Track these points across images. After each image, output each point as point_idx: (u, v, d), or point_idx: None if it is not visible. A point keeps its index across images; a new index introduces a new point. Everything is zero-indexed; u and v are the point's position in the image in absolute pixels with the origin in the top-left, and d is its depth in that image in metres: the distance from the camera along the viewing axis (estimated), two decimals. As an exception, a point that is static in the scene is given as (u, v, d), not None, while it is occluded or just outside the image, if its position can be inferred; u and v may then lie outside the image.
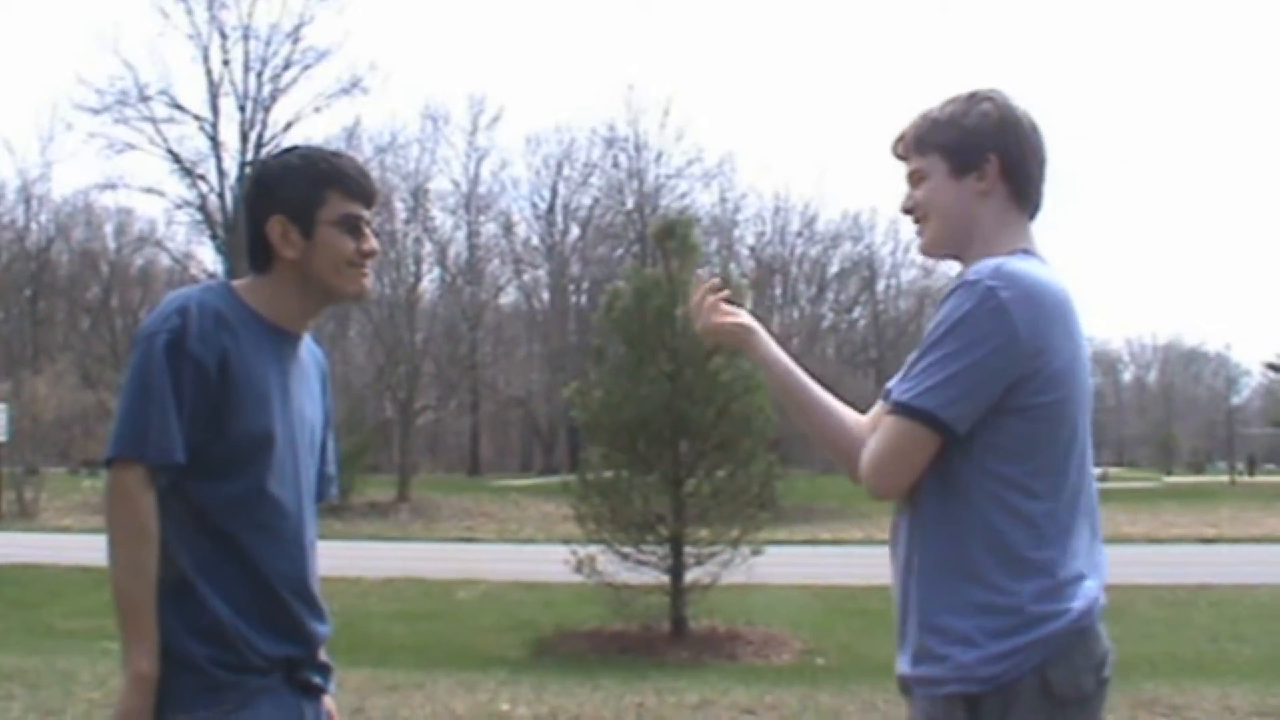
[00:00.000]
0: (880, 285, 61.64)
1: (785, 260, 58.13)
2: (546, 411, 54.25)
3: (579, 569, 11.37)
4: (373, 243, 2.27)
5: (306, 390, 2.32)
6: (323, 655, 2.31)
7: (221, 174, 46.16)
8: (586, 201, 55.42)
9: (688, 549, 11.47)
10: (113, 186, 48.73)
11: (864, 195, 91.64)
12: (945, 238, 2.18)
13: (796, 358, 2.31)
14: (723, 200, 54.26)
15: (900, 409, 2.02)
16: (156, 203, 68.09)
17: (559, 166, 55.28)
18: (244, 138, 45.75)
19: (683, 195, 50.75)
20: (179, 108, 45.29)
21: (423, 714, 7.11)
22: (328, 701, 2.33)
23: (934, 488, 2.03)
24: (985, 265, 2.01)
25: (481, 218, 52.46)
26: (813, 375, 2.28)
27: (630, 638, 11.55)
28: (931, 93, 2.20)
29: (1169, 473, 64.57)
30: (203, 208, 47.02)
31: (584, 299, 53.63)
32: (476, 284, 49.94)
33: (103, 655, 8.68)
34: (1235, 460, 62.00)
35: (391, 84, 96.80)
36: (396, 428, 41.93)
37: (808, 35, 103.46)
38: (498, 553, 22.51)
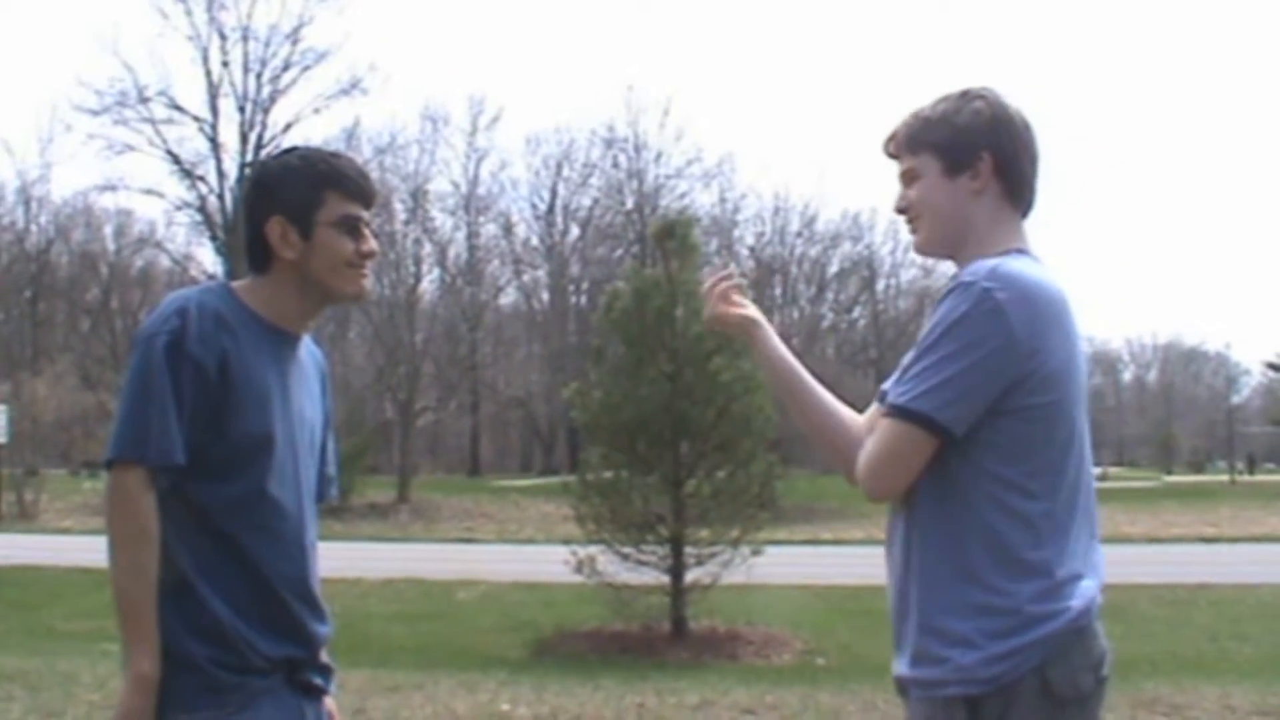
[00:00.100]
0: (880, 285, 61.70)
1: (785, 260, 58.14)
2: (546, 412, 54.28)
3: (579, 569, 11.37)
4: (372, 244, 2.27)
5: (306, 391, 2.32)
6: (324, 656, 2.32)
7: (221, 175, 46.23)
8: (586, 202, 55.56)
9: (688, 549, 11.46)
10: (112, 188, 48.83)
11: (864, 195, 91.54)
12: (939, 237, 2.18)
13: (797, 357, 2.31)
14: (722, 200, 54.40)
15: (897, 411, 2.02)
16: (156, 204, 67.95)
17: (558, 167, 55.42)
18: (243, 139, 45.80)
19: (682, 195, 50.88)
20: (178, 109, 45.38)
21: (423, 714, 7.11)
22: (329, 702, 2.33)
23: (931, 489, 2.03)
24: (981, 266, 2.01)
25: (481, 218, 52.55)
26: (813, 375, 2.28)
27: (630, 638, 11.55)
28: (931, 93, 2.20)
29: (1169, 472, 64.59)
30: (202, 209, 47.03)
31: (584, 299, 53.67)
32: (476, 285, 49.95)
33: (103, 657, 8.68)
34: (1235, 459, 62.01)
35: (391, 85, 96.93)
36: (396, 429, 41.93)
37: (807, 35, 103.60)
38: (498, 553, 22.51)
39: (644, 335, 11.43)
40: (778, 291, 57.79)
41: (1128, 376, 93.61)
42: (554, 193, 55.40)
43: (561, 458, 50.29)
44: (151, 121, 44.96)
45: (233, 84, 45.70)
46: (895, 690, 2.13)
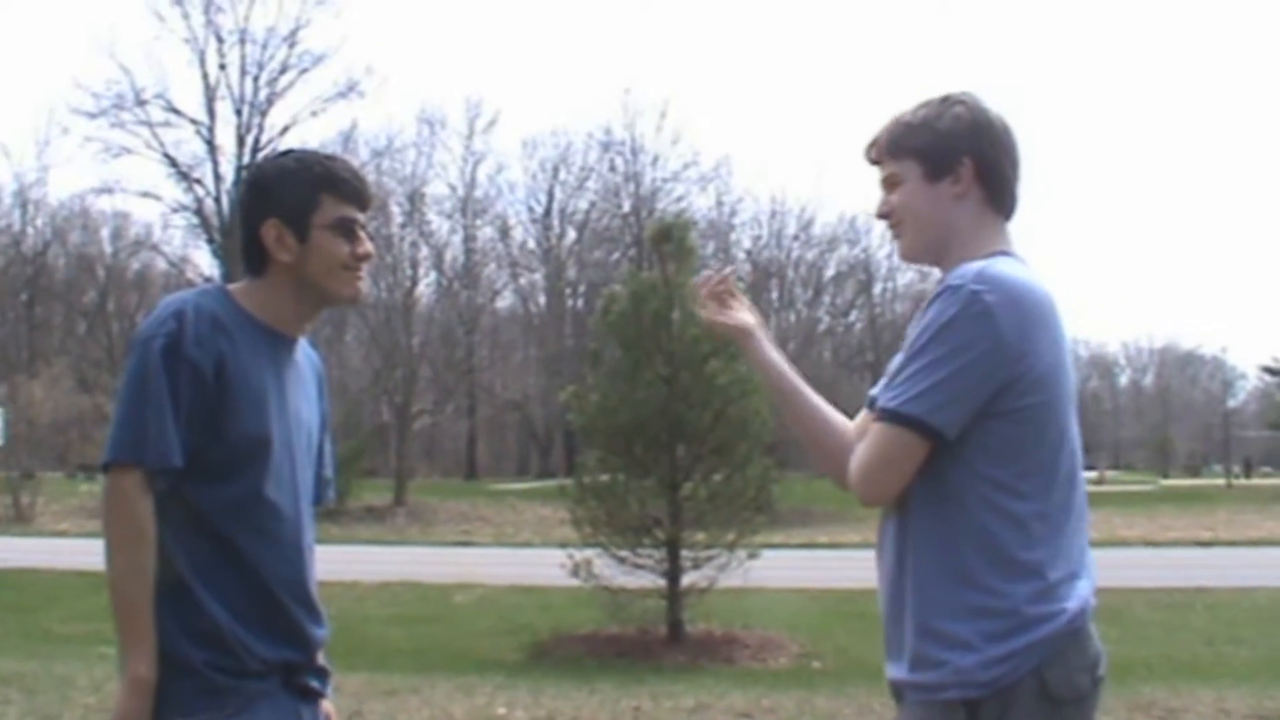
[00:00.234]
0: (877, 288, 61.59)
1: (782, 263, 58.09)
2: (543, 415, 54.24)
3: (576, 573, 11.37)
4: (367, 246, 2.27)
5: (303, 393, 2.32)
6: (321, 659, 2.32)
7: (218, 178, 46.16)
8: (583, 205, 55.49)
9: (684, 552, 11.47)
10: (109, 190, 49.13)
11: (860, 199, 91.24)
12: (923, 242, 2.19)
13: (793, 361, 2.32)
14: (719, 204, 54.33)
15: (888, 416, 2.02)
16: (153, 207, 68.27)
17: (555, 170, 55.35)
18: (240, 142, 45.78)
19: (679, 199, 50.79)
20: (175, 112, 45.31)
21: (420, 718, 7.11)
22: (326, 706, 2.34)
23: (924, 492, 2.03)
24: (968, 269, 2.02)
25: (478, 221, 52.50)
26: (809, 379, 2.29)
27: (627, 641, 11.55)
28: (928, 96, 2.20)
29: (1165, 476, 64.63)
30: (199, 212, 47.01)
31: (580, 303, 53.65)
32: (473, 288, 49.90)
33: (100, 660, 8.66)
34: (1231, 463, 62.01)
35: (388, 88, 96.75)
36: (393, 432, 41.87)
37: (804, 39, 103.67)
38: (494, 556, 22.50)
39: (641, 338, 11.44)
40: (774, 295, 57.71)
41: (1124, 380, 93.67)
42: (551, 196, 55.43)
43: (558, 461, 50.23)
44: (148, 124, 44.96)
45: (229, 87, 45.74)
46: (890, 694, 2.13)
